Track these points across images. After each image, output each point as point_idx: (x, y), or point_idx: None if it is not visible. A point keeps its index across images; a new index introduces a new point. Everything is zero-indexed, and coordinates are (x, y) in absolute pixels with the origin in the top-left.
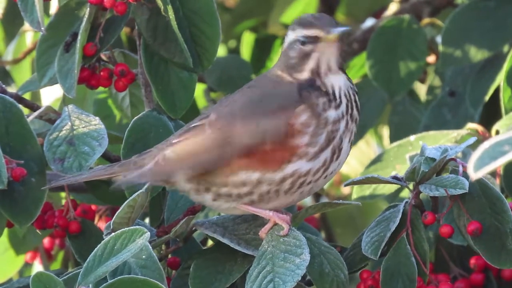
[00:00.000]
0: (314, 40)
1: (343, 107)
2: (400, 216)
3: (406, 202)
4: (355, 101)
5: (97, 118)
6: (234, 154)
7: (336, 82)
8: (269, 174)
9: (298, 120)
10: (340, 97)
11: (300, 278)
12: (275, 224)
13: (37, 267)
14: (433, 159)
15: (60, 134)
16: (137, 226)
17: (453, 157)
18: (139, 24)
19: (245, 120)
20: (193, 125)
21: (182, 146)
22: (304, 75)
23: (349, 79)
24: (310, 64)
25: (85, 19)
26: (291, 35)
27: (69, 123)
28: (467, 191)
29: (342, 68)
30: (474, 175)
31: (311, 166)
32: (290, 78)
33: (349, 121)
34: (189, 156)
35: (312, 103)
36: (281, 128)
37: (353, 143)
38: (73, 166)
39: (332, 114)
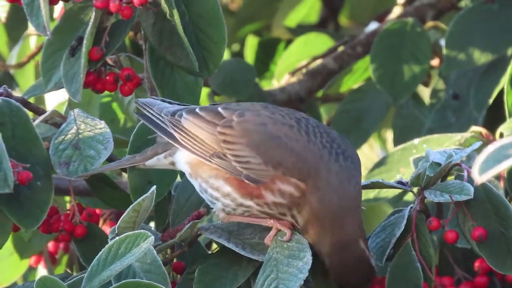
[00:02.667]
0: None
1: None
2: (405, 221)
3: (411, 207)
4: None
5: (102, 122)
6: (220, 165)
7: None
8: (241, 198)
9: (280, 184)
10: None
11: (302, 282)
12: (279, 230)
13: (42, 271)
14: (439, 164)
15: (65, 138)
16: (141, 230)
17: (458, 162)
18: (145, 29)
19: (246, 148)
20: (219, 108)
21: (189, 125)
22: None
23: None
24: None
25: (90, 23)
26: None
27: (75, 127)
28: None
29: None
30: (479, 179)
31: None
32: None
33: None
34: (189, 135)
35: (307, 191)
36: (262, 176)
37: None
38: (79, 170)
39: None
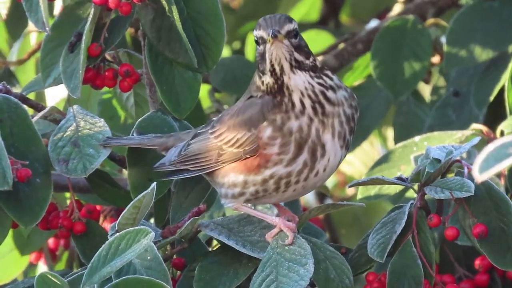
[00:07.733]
0: (263, 41)
1: (308, 111)
2: (405, 218)
3: (412, 203)
4: (325, 96)
5: (102, 120)
6: (226, 160)
7: (295, 84)
8: (252, 176)
9: (264, 134)
10: (301, 102)
11: None
12: (281, 230)
13: (42, 267)
14: (438, 160)
15: (64, 135)
16: (141, 227)
17: (458, 158)
18: (143, 25)
19: (229, 132)
20: (199, 131)
21: (192, 147)
22: (267, 77)
23: (316, 74)
24: (267, 66)
25: (89, 19)
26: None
27: (74, 124)
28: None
29: (304, 64)
30: (479, 178)
31: (290, 169)
32: (259, 82)
33: (324, 119)
34: (195, 157)
35: (272, 120)
36: (252, 141)
37: (348, 132)
38: (78, 168)
39: (293, 124)
